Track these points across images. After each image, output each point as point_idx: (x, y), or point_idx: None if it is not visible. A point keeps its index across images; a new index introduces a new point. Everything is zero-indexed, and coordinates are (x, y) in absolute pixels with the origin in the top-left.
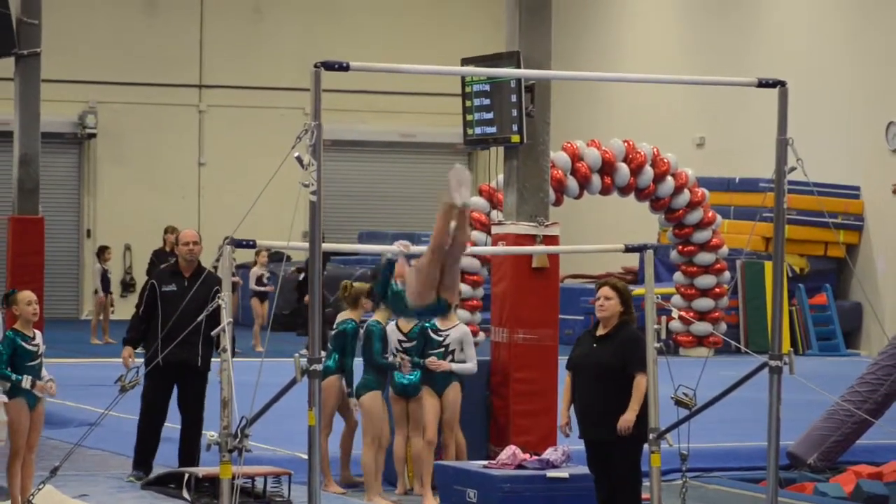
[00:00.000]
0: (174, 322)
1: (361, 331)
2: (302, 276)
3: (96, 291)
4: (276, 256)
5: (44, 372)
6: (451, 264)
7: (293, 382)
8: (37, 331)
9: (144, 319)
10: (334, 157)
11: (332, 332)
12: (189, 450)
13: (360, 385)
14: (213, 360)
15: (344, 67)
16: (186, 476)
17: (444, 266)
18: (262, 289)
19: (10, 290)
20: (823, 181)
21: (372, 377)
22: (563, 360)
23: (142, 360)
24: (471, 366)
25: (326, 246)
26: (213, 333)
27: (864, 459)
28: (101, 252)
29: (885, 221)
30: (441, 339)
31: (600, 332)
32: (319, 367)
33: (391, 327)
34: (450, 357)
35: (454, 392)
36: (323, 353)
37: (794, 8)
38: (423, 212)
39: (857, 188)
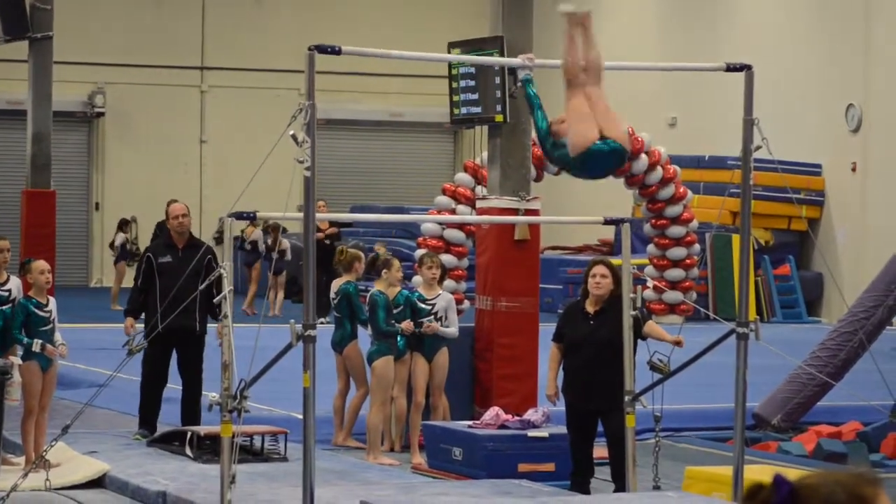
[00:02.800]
0: (172, 290)
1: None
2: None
3: (117, 261)
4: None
5: (57, 336)
6: (596, 91)
7: (289, 347)
8: (51, 297)
9: (142, 290)
10: (327, 136)
11: (335, 301)
12: (190, 410)
13: (373, 351)
14: (209, 325)
15: (336, 51)
16: (189, 434)
17: (591, 96)
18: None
19: (25, 259)
20: (787, 159)
21: (383, 343)
22: (543, 327)
23: (142, 326)
24: (453, 330)
25: (319, 216)
26: (214, 301)
27: (825, 420)
28: (124, 224)
29: (844, 197)
30: (430, 307)
31: (592, 307)
32: (314, 332)
33: None
34: (439, 323)
35: (443, 357)
36: (321, 320)
37: None
38: (411, 186)
39: (819, 166)
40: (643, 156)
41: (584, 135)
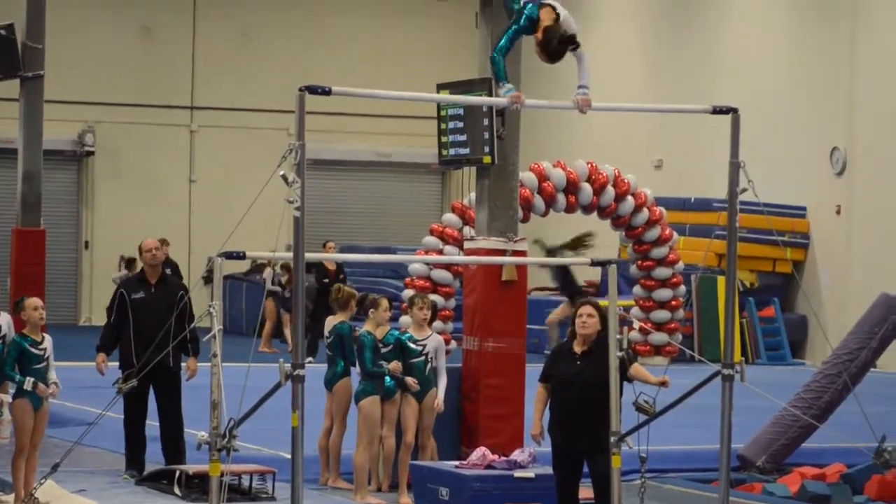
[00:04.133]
0: (145, 327)
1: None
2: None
3: None
4: (259, 269)
5: (51, 374)
6: None
7: (278, 386)
8: (46, 335)
9: (115, 327)
10: (316, 175)
11: (328, 340)
12: (172, 447)
13: (360, 391)
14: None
15: (326, 92)
16: (178, 473)
17: None
18: (276, 288)
19: (18, 297)
20: (773, 202)
21: (370, 383)
22: (530, 368)
23: (115, 363)
24: (444, 383)
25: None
26: (204, 340)
27: (809, 461)
28: (130, 263)
29: (829, 240)
30: (420, 348)
31: (580, 348)
32: (303, 371)
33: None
34: (429, 365)
35: (432, 398)
36: (309, 359)
37: (746, 40)
38: (399, 227)
39: (804, 208)
40: (629, 198)
41: None
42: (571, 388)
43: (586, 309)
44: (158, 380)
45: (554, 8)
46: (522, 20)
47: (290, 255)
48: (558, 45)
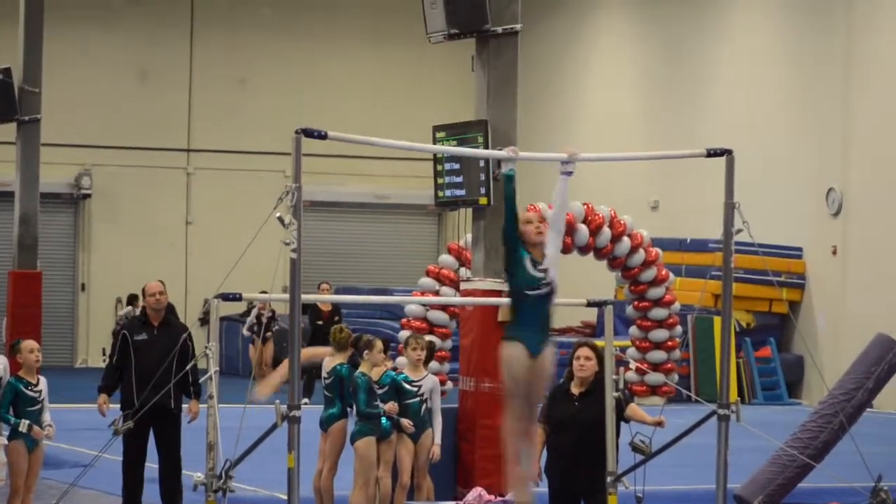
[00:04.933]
0: (147, 369)
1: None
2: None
3: None
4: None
5: (45, 416)
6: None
7: (274, 427)
8: (41, 377)
9: (118, 368)
10: (313, 217)
11: (327, 381)
12: (170, 488)
13: (355, 432)
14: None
15: (322, 136)
16: None
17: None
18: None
19: (14, 340)
20: (768, 242)
21: (365, 424)
22: None
23: (116, 405)
24: (439, 424)
25: (305, 297)
26: (200, 381)
27: (806, 501)
28: (132, 299)
29: (825, 280)
30: (416, 388)
31: (577, 389)
32: (299, 413)
33: None
34: (425, 405)
35: (428, 438)
36: (305, 400)
37: (741, 80)
38: (396, 268)
39: (800, 249)
40: (625, 238)
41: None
42: (569, 429)
43: (584, 351)
44: (159, 421)
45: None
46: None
47: (286, 296)
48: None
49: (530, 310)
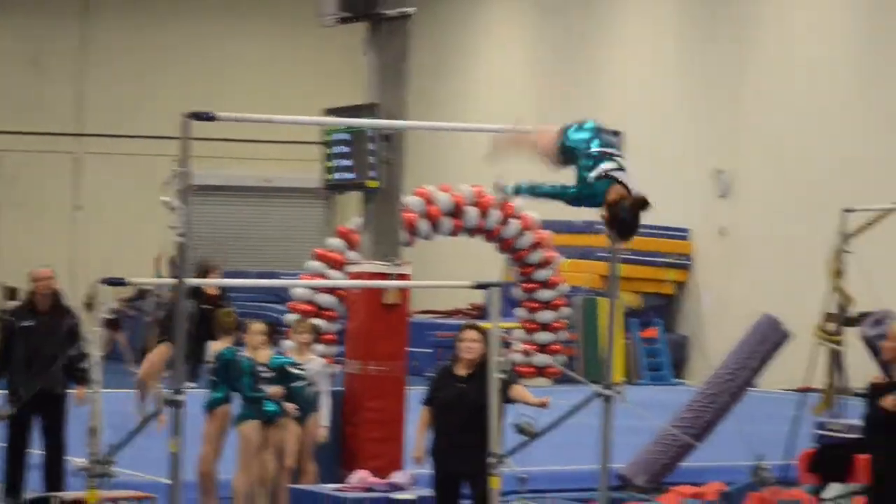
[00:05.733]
0: (34, 354)
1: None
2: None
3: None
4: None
5: None
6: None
7: (157, 412)
8: None
9: (4, 355)
10: (199, 201)
11: (212, 365)
12: (54, 474)
13: (239, 416)
14: (70, 389)
15: (210, 117)
16: (54, 501)
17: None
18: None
19: None
20: (656, 224)
21: (249, 408)
22: (411, 391)
23: (4, 391)
24: (327, 406)
25: (190, 280)
26: (82, 366)
27: (689, 480)
28: (12, 293)
29: (710, 261)
30: (301, 372)
31: (463, 371)
32: (182, 397)
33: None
34: (311, 388)
35: (314, 422)
36: (190, 385)
37: (633, 62)
38: (283, 252)
39: (686, 230)
40: (514, 220)
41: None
42: (454, 411)
43: (470, 334)
44: (44, 407)
45: (625, 185)
46: (586, 191)
47: (173, 280)
48: (632, 214)
49: None
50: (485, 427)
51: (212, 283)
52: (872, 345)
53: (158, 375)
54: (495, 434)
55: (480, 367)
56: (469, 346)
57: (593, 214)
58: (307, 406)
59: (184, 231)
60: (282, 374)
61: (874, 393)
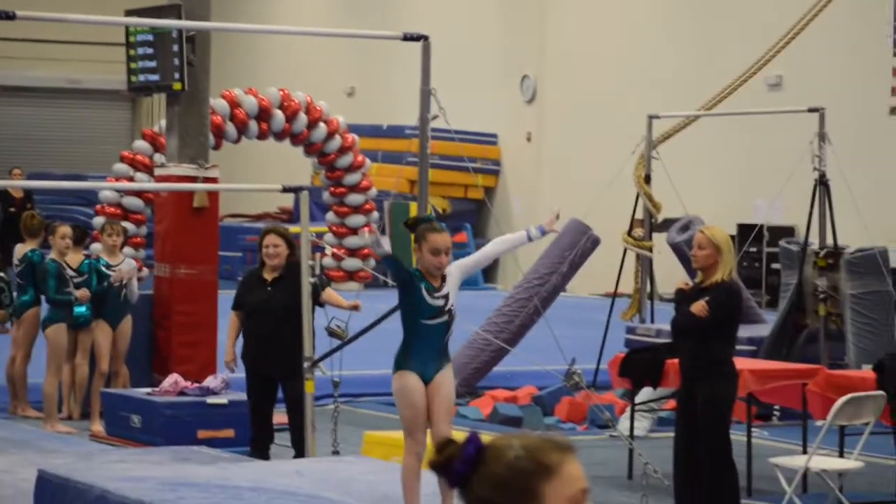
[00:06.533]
0: None
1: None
2: None
3: None
4: None
5: None
6: None
7: None
8: None
9: None
10: (4, 102)
11: (19, 268)
12: None
13: (46, 319)
14: None
15: (11, 16)
16: None
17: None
18: None
19: None
20: (464, 129)
21: (57, 311)
22: (222, 295)
23: None
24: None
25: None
26: None
27: (501, 384)
28: None
29: (519, 166)
30: (114, 273)
31: (269, 275)
32: None
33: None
34: (123, 291)
35: (127, 325)
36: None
37: None
38: (89, 154)
39: (495, 136)
40: (322, 125)
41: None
42: (263, 314)
43: (271, 238)
44: None
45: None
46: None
47: None
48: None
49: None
50: (294, 329)
51: (17, 185)
52: (679, 250)
53: None
54: (308, 338)
55: (286, 271)
56: (271, 251)
57: (402, 119)
58: (119, 309)
59: None
60: (96, 275)
61: (681, 298)
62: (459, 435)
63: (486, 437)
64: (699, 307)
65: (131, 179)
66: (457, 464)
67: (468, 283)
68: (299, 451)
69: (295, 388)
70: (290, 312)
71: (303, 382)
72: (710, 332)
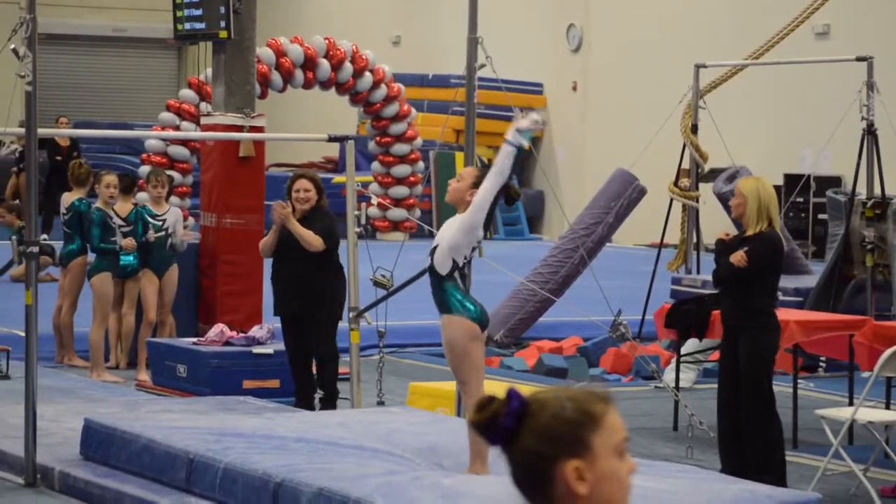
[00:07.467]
0: None
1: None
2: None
3: None
4: None
5: None
6: None
7: (10, 264)
8: None
9: None
10: (49, 51)
11: (66, 217)
12: None
13: (91, 268)
14: None
15: None
16: None
17: None
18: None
19: None
20: (510, 78)
21: (102, 261)
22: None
23: None
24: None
25: (41, 131)
26: None
27: (547, 335)
28: None
29: (565, 115)
30: (160, 223)
31: (298, 217)
32: (35, 249)
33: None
34: (170, 240)
35: (173, 274)
36: (44, 236)
37: None
38: (135, 103)
39: (541, 85)
40: (367, 74)
41: None
42: (288, 254)
43: (302, 183)
44: None
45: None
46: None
47: (23, 130)
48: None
49: None
50: (323, 275)
51: (64, 134)
52: (725, 200)
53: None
54: (354, 288)
55: (313, 213)
56: (302, 196)
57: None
58: (166, 258)
59: (32, 80)
60: (143, 225)
61: (721, 249)
62: (495, 391)
63: (523, 389)
64: (738, 257)
65: (177, 128)
66: (503, 419)
67: (513, 234)
68: (329, 402)
69: (320, 329)
70: (317, 256)
71: (328, 328)
72: (750, 283)
